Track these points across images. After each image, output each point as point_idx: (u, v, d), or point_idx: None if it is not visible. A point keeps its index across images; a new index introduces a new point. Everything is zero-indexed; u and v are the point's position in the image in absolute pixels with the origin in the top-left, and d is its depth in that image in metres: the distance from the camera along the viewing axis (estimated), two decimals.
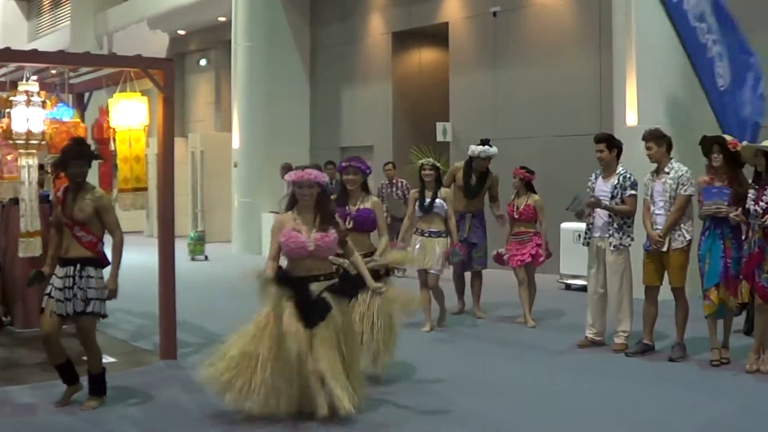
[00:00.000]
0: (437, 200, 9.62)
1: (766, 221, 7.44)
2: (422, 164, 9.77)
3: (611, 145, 8.69)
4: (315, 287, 6.22)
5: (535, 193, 10.15)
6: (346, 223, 7.23)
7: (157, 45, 22.52)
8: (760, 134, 9.49)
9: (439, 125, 16.45)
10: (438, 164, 9.82)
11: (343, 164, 7.77)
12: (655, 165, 8.37)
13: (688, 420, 6.41)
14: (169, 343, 8.44)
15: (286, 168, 17.67)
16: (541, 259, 10.12)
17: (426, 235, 9.64)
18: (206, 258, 17.81)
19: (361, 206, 7.61)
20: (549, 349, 8.84)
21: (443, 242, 9.67)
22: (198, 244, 17.91)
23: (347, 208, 7.57)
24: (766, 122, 9.10)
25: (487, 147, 10.47)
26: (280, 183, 19.06)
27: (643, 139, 8.37)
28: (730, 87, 9.77)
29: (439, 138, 16.06)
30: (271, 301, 6.09)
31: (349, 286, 6.45)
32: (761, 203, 7.52)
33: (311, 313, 6.13)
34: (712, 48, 9.73)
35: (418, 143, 11.03)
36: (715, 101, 9.80)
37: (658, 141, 8.30)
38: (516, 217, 10.10)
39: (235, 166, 18.97)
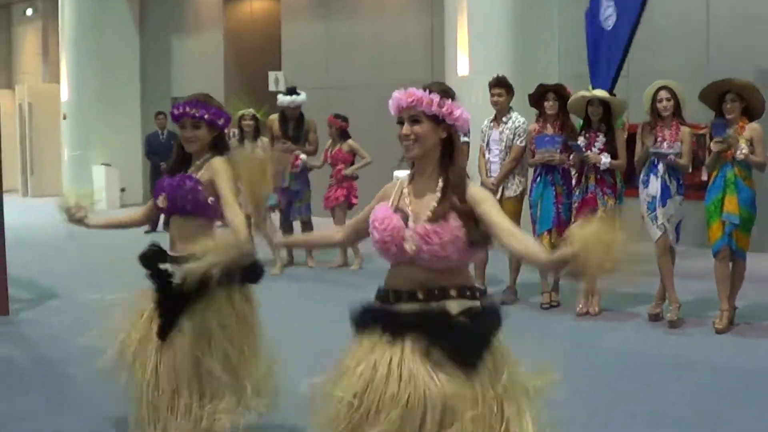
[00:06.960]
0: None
1: (599, 163, 7.66)
2: (242, 114, 10.04)
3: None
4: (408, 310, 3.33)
5: (349, 137, 10.45)
6: None
7: None
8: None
9: (272, 74, 16.35)
10: (258, 114, 10.18)
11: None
12: (492, 113, 8.44)
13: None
14: (1, 298, 8.23)
15: None
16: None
17: None
18: None
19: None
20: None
21: None
22: None
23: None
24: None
25: (294, 97, 10.40)
26: (111, 134, 18.66)
27: (494, 85, 8.39)
28: (616, 28, 8.80)
29: (272, 88, 15.92)
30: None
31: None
32: (593, 149, 7.77)
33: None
34: None
35: (250, 93, 10.96)
36: (598, 42, 8.99)
37: (507, 89, 8.40)
38: (330, 162, 10.50)
39: (65, 118, 18.34)
